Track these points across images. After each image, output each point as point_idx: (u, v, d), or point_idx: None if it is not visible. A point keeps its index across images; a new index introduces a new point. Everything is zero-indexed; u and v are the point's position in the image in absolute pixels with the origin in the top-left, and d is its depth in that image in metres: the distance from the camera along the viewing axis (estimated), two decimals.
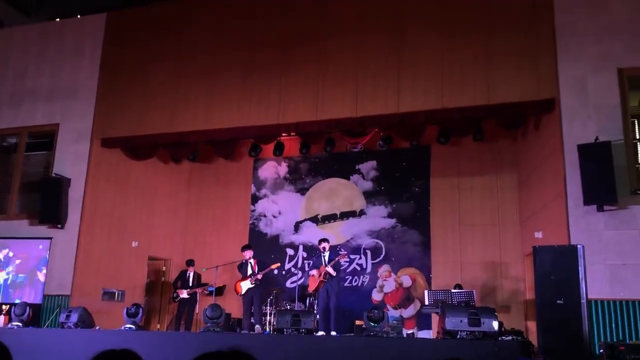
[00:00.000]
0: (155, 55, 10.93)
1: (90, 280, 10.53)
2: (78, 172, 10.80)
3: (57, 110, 11.29)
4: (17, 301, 10.14)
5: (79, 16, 11.91)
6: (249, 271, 10.02)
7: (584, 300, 6.69)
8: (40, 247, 10.64)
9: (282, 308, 10.20)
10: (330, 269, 9.08)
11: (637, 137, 8.26)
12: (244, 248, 10.39)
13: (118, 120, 10.84)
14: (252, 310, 9.81)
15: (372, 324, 7.63)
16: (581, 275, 6.74)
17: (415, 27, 9.36)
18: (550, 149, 8.77)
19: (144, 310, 8.89)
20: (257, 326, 9.45)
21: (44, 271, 10.48)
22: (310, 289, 9.52)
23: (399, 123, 9.42)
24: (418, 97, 9.09)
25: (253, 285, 9.85)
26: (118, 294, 10.95)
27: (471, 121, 9.65)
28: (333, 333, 8.69)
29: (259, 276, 9.84)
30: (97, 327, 8.73)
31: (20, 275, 10.70)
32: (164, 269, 12.73)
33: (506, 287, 10.55)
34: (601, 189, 7.76)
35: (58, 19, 11.97)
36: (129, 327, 8.28)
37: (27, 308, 9.27)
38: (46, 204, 10.57)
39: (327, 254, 9.38)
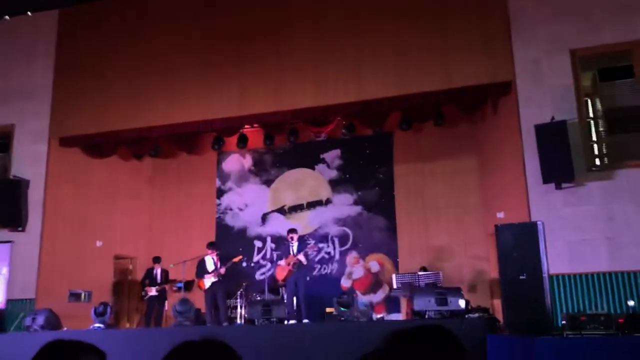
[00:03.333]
0: (111, 51, 10.75)
1: (55, 282, 10.37)
2: (37, 173, 10.60)
3: (12, 110, 11.03)
4: None
5: (29, 13, 11.61)
6: (211, 267, 10.05)
7: (545, 275, 6.92)
8: None
9: (253, 300, 10.26)
10: (302, 257, 9.16)
11: (591, 115, 8.55)
12: (211, 245, 10.39)
13: (76, 118, 10.66)
14: (218, 305, 9.83)
15: (343, 309, 7.75)
16: (542, 250, 6.97)
17: (371, 15, 9.46)
18: (508, 130, 9.00)
19: (112, 309, 8.81)
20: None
21: None
22: (280, 279, 9.59)
23: (361, 111, 9.54)
24: (379, 84, 9.20)
25: (216, 279, 9.87)
26: (85, 295, 10.80)
27: (431, 106, 9.85)
28: (305, 321, 8.79)
29: (222, 270, 9.87)
30: (65, 329, 8.61)
31: None
32: (130, 267, 12.60)
33: (471, 267, 10.78)
34: (558, 167, 8.02)
35: (7, 17, 11.66)
36: (98, 327, 8.20)
37: None
38: (5, 207, 10.34)
39: (295, 244, 9.46)
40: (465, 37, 8.94)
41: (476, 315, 7.68)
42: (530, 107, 8.49)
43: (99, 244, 11.53)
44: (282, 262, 9.47)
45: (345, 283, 11.41)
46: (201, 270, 10.16)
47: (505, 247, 7.16)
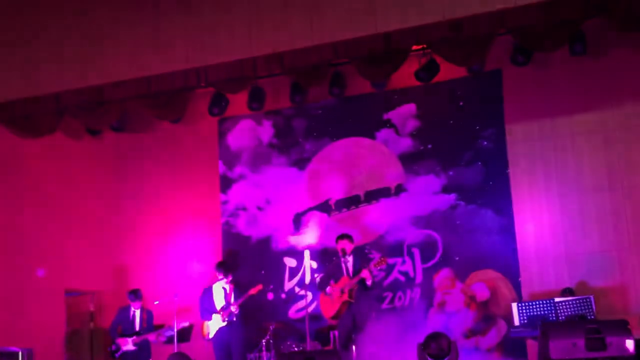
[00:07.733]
0: None
1: None
2: None
3: None
4: None
5: None
6: (221, 301, 10.06)
7: None
8: None
9: (287, 351, 10.28)
10: (365, 274, 9.07)
11: None
12: (221, 266, 10.41)
13: None
14: None
15: None
16: None
17: None
18: None
19: None
20: None
21: None
22: (327, 315, 9.54)
23: (447, 37, 9.35)
24: None
25: (226, 322, 9.89)
26: (22, 355, 10.95)
27: (565, 24, 9.56)
28: None
29: (234, 308, 9.87)
30: None
31: None
32: (92, 308, 12.76)
33: None
34: None
35: None
36: None
37: None
38: None
39: (350, 258, 9.37)
40: None
41: None
42: None
43: (39, 273, 11.66)
44: (330, 289, 9.40)
45: (435, 319, 11.35)
46: (207, 306, 10.18)
47: None
